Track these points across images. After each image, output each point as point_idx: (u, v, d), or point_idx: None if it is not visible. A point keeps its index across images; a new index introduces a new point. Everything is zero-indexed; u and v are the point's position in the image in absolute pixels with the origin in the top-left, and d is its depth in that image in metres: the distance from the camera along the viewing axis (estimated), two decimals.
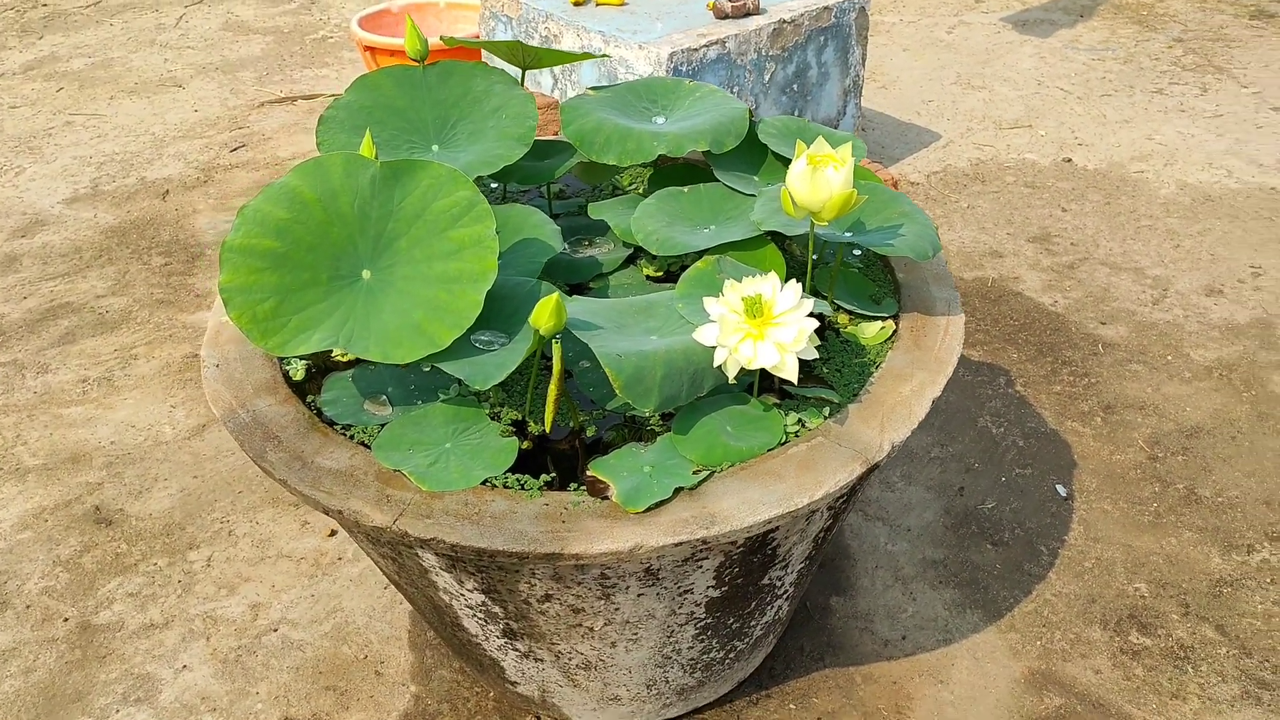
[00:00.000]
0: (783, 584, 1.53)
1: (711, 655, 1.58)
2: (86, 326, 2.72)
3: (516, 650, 1.51)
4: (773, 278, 1.25)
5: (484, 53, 3.23)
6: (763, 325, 1.24)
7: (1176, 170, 3.37)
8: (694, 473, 1.26)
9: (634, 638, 1.45)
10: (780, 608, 1.61)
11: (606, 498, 1.24)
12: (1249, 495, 2.13)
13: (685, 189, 1.60)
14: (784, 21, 2.82)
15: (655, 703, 1.65)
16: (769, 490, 1.24)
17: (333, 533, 2.08)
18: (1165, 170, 3.37)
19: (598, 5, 2.91)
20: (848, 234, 1.48)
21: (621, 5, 2.92)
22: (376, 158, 1.39)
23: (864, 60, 3.12)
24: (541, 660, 1.52)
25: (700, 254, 1.53)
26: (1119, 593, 1.93)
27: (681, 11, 2.88)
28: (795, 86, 2.96)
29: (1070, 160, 3.45)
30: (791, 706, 1.75)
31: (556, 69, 2.95)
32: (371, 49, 3.32)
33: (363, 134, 1.61)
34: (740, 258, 1.49)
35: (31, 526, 2.11)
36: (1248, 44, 4.30)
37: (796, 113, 3.03)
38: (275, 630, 1.89)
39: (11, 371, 2.56)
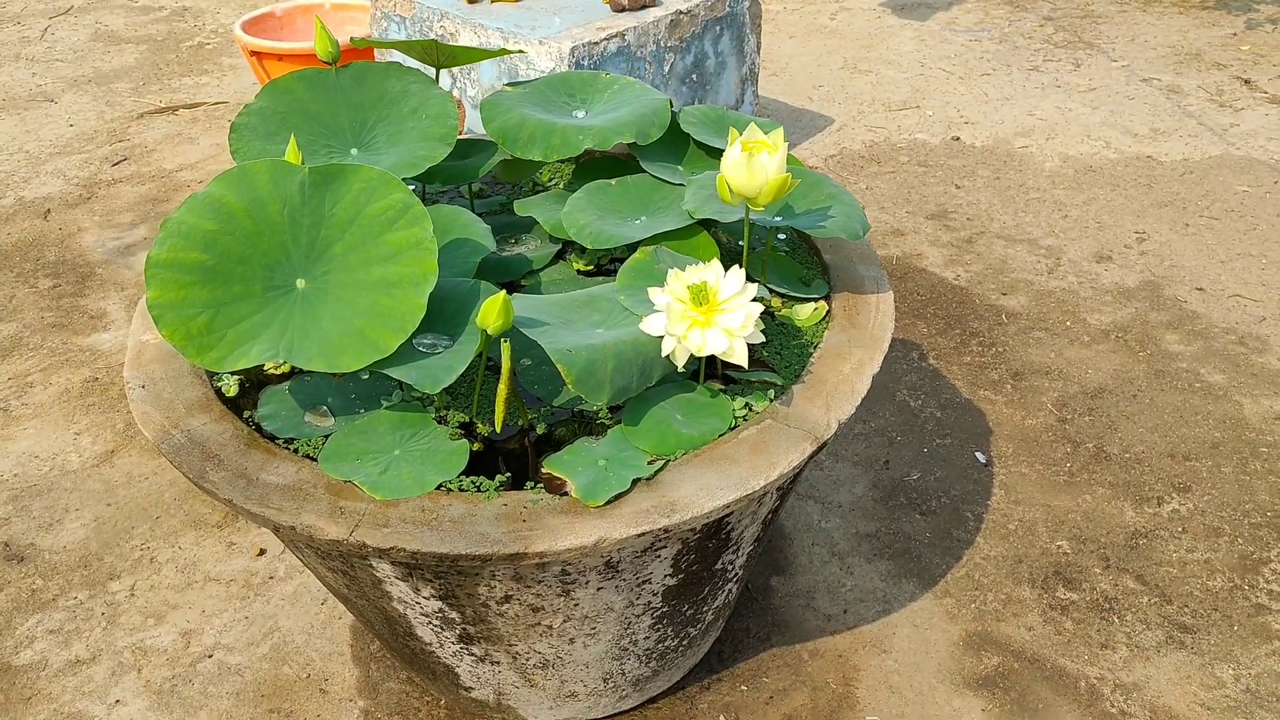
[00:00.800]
0: (734, 567, 1.55)
1: (666, 644, 1.59)
2: None
3: (472, 655, 1.49)
4: (715, 265, 1.27)
5: (378, 53, 3.17)
6: (709, 313, 1.25)
7: (1058, 144, 3.50)
8: (649, 463, 1.26)
9: (592, 632, 1.45)
10: (730, 591, 1.63)
11: (565, 494, 1.23)
12: (1153, 449, 2.23)
13: (613, 182, 1.60)
14: (680, 12, 2.84)
15: (612, 696, 1.65)
16: (725, 475, 1.25)
17: (261, 552, 2.02)
18: (1048, 144, 3.50)
19: (493, 2, 2.89)
20: (778, 218, 1.50)
21: (517, 2, 2.90)
22: (303, 163, 1.35)
23: (759, 48, 3.16)
24: (498, 663, 1.50)
25: (633, 246, 1.53)
26: (1043, 551, 2.00)
27: (577, 6, 2.88)
28: (694, 76, 2.98)
29: (959, 139, 3.55)
30: (743, 688, 1.77)
31: (456, 69, 2.91)
32: (258, 54, 3.23)
33: (277, 140, 1.57)
34: (674, 247, 1.49)
35: None
36: (1113, 19, 4.49)
37: (696, 102, 3.05)
38: (210, 656, 1.83)
39: None
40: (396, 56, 3.07)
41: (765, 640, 1.85)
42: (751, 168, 1.30)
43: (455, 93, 2.95)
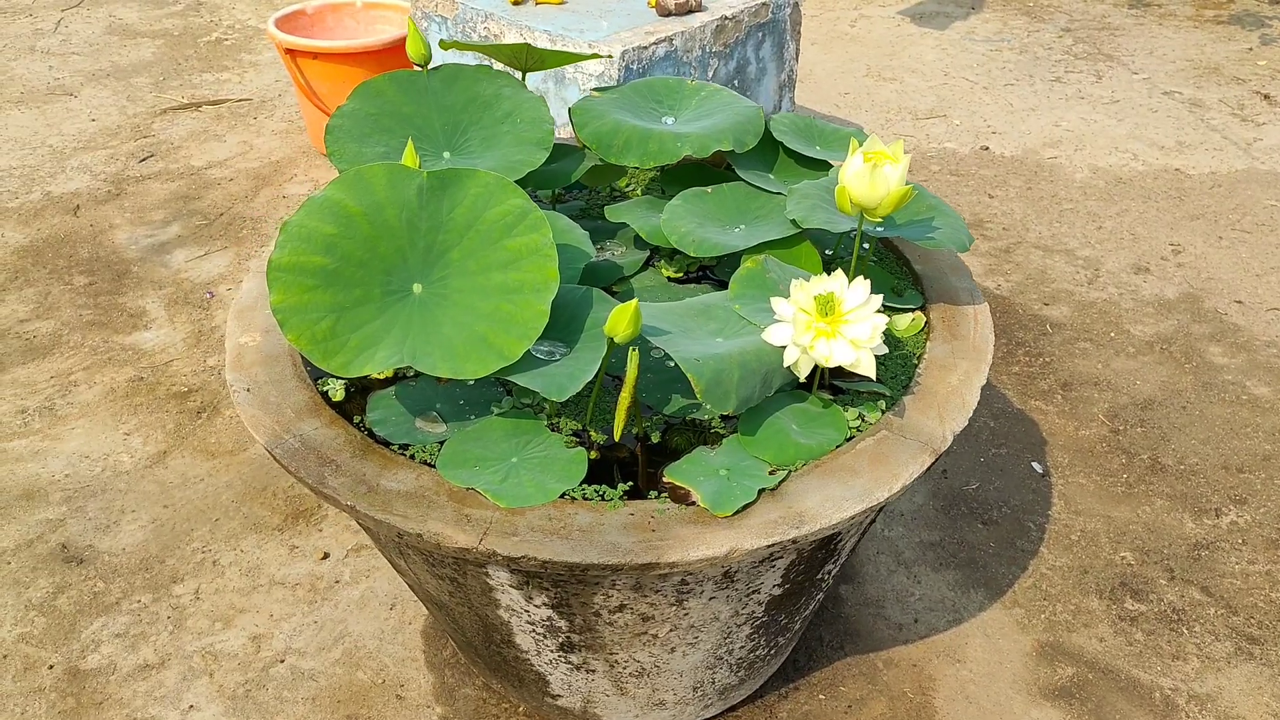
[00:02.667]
0: (829, 577, 1.55)
1: (758, 653, 1.58)
2: (14, 353, 2.55)
3: (569, 663, 1.49)
4: (840, 276, 1.26)
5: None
6: (835, 323, 1.24)
7: (1087, 155, 3.53)
8: (771, 473, 1.26)
9: (694, 641, 1.44)
10: (819, 600, 1.63)
11: (691, 503, 1.23)
12: (1207, 461, 2.25)
13: (709, 189, 1.60)
14: (726, 18, 2.84)
15: (697, 704, 1.64)
16: (848, 486, 1.25)
17: (325, 555, 2.00)
18: (1077, 155, 3.52)
19: (537, 4, 2.88)
20: (880, 229, 1.50)
21: (561, 4, 2.89)
22: (420, 167, 1.34)
23: (797, 55, 3.16)
24: (594, 671, 1.50)
25: (730, 254, 1.52)
26: (1107, 562, 2.02)
27: (622, 9, 2.87)
28: (736, 82, 2.98)
29: (988, 148, 3.57)
30: (821, 696, 1.77)
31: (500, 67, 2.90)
32: (292, 51, 3.20)
33: (370, 143, 1.56)
34: (776, 256, 1.49)
35: None
36: (1130, 31, 4.53)
37: None
38: (282, 661, 1.81)
39: None
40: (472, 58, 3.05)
41: (839, 649, 1.85)
42: (874, 179, 1.30)
43: None
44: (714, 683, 1.59)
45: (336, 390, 1.41)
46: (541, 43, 2.71)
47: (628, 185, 1.86)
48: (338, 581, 1.95)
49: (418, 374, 1.44)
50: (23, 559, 1.99)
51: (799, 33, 3.12)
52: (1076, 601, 1.94)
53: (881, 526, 2.09)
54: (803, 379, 1.30)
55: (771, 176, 1.66)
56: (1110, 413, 2.39)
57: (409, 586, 1.61)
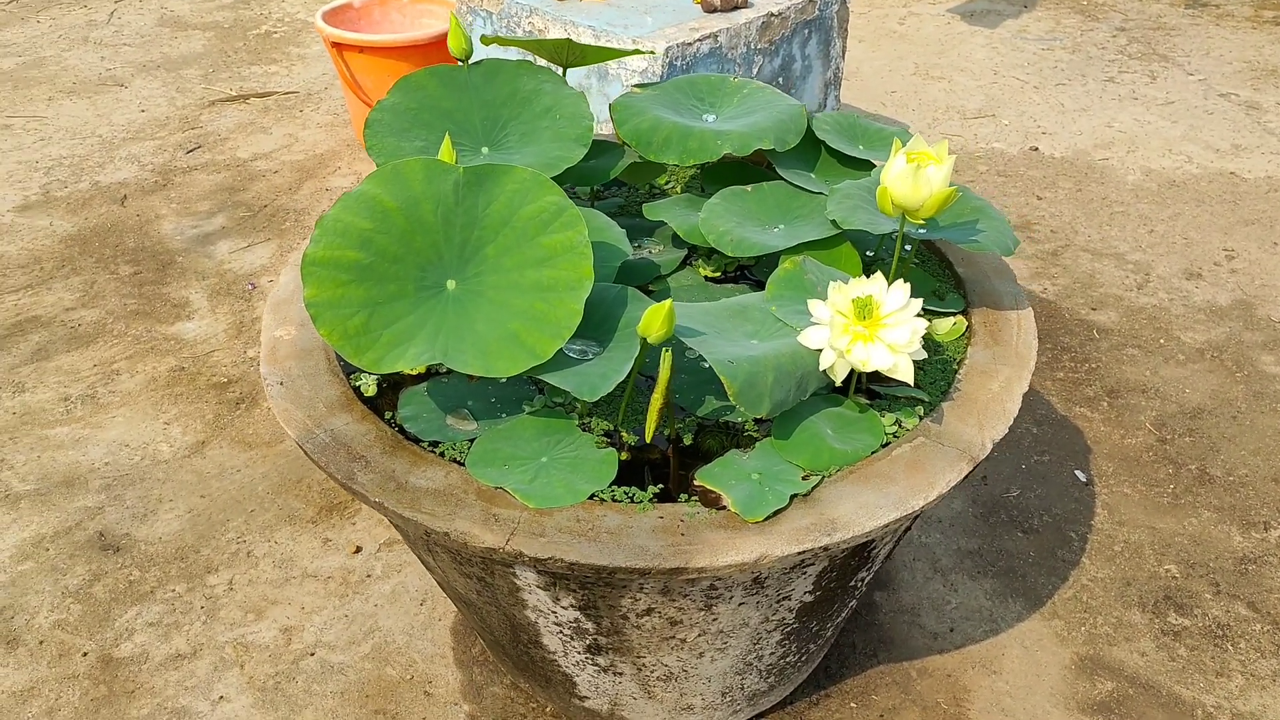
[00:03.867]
0: (863, 584, 1.52)
1: (788, 659, 1.56)
2: (59, 341, 2.58)
3: (596, 665, 1.47)
4: (879, 279, 1.24)
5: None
6: (873, 327, 1.22)
7: (1139, 157, 3.45)
8: (803, 478, 1.23)
9: (723, 647, 1.42)
10: (852, 607, 1.61)
11: (722, 508, 1.21)
12: (1257, 473, 2.19)
13: (749, 188, 1.57)
14: (772, 15, 2.81)
15: (725, 710, 1.62)
16: (883, 494, 1.22)
17: (357, 549, 2.01)
18: (1129, 157, 3.45)
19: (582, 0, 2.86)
20: (921, 230, 1.47)
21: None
22: (457, 162, 1.33)
23: (844, 53, 3.13)
24: (621, 674, 1.48)
25: (770, 253, 1.50)
26: (1151, 575, 1.97)
27: (667, 5, 2.85)
28: (781, 79, 2.95)
29: (1037, 149, 3.51)
30: (852, 705, 1.74)
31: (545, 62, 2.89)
32: (339, 45, 3.22)
33: (410, 137, 1.55)
34: (815, 257, 1.47)
35: (32, 556, 2.00)
36: (1186, 32, 4.43)
37: None
38: (312, 654, 1.81)
39: None
40: (490, 53, 3.05)
41: (872, 656, 1.82)
42: (917, 180, 1.27)
43: None
44: (743, 688, 1.57)
45: (369, 385, 1.40)
46: (585, 38, 2.70)
47: (667, 183, 1.84)
48: (369, 575, 1.95)
49: (450, 370, 1.43)
50: (61, 546, 2.01)
51: (846, 30, 3.08)
52: (1118, 614, 1.89)
53: (919, 533, 2.05)
54: (839, 383, 1.27)
55: (813, 176, 1.64)
56: (1158, 421, 2.33)
57: (438, 584, 1.60)
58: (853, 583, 1.46)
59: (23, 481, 2.16)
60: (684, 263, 1.64)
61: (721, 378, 1.19)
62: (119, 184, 3.29)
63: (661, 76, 2.60)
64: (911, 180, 1.27)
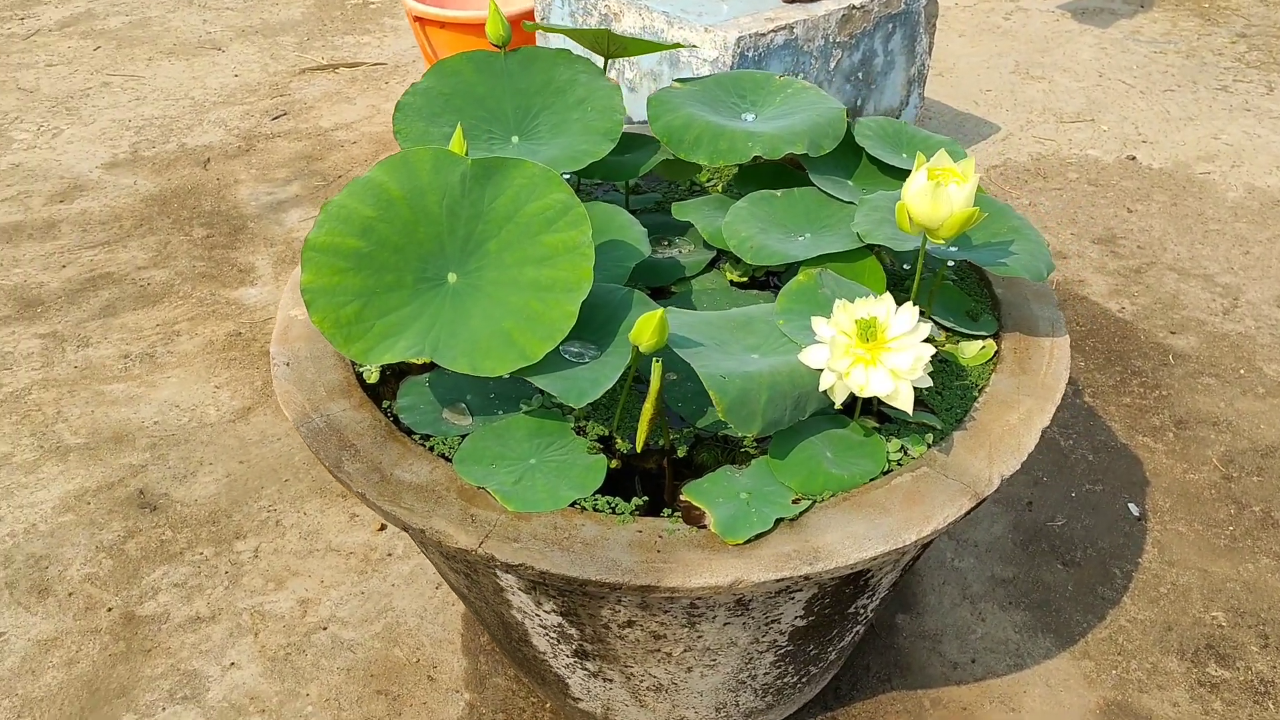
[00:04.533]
0: (866, 610, 1.47)
1: (785, 680, 1.52)
2: (127, 299, 2.66)
3: (586, 670, 1.45)
4: (887, 299, 1.18)
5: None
6: (876, 350, 1.16)
7: (1244, 173, 3.27)
8: (794, 502, 1.19)
9: (712, 664, 1.39)
10: (858, 632, 1.55)
11: (703, 526, 1.17)
12: None
13: (779, 193, 1.52)
14: (854, 7, 2.72)
15: None
16: (874, 525, 1.17)
17: (382, 527, 2.02)
18: (1232, 172, 3.27)
19: None
20: (953, 249, 1.40)
21: None
22: (467, 153, 1.31)
23: (930, 49, 3.02)
24: (611, 681, 1.46)
25: (794, 264, 1.45)
26: (1196, 621, 1.86)
27: None
28: (860, 75, 2.86)
29: (1134, 158, 3.35)
30: None
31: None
32: (422, 20, 3.23)
33: (440, 123, 1.54)
34: (839, 269, 1.41)
35: (74, 509, 2.06)
36: None
37: (859, 101, 2.93)
38: (325, 629, 1.83)
39: (51, 344, 2.50)
40: (564, 42, 3.04)
41: (885, 681, 1.77)
42: (937, 199, 1.21)
43: (613, 74, 2.89)
44: (738, 705, 1.53)
45: (371, 372, 1.40)
46: (659, 24, 2.66)
47: (709, 180, 1.80)
48: (390, 555, 1.96)
49: None
50: (101, 500, 2.07)
51: (934, 25, 2.98)
52: (1154, 660, 1.80)
53: (951, 556, 1.98)
54: (838, 406, 1.22)
55: (850, 184, 1.57)
56: (1225, 457, 2.21)
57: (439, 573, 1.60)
58: (852, 609, 1.40)
59: (75, 435, 2.23)
60: (711, 265, 1.59)
61: (710, 393, 1.15)
62: (204, 147, 3.37)
63: (732, 67, 2.54)
64: (931, 198, 1.21)
